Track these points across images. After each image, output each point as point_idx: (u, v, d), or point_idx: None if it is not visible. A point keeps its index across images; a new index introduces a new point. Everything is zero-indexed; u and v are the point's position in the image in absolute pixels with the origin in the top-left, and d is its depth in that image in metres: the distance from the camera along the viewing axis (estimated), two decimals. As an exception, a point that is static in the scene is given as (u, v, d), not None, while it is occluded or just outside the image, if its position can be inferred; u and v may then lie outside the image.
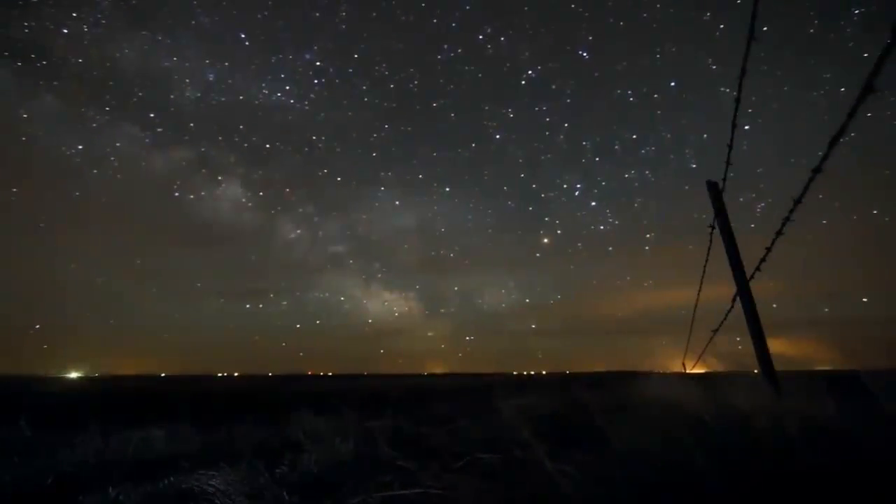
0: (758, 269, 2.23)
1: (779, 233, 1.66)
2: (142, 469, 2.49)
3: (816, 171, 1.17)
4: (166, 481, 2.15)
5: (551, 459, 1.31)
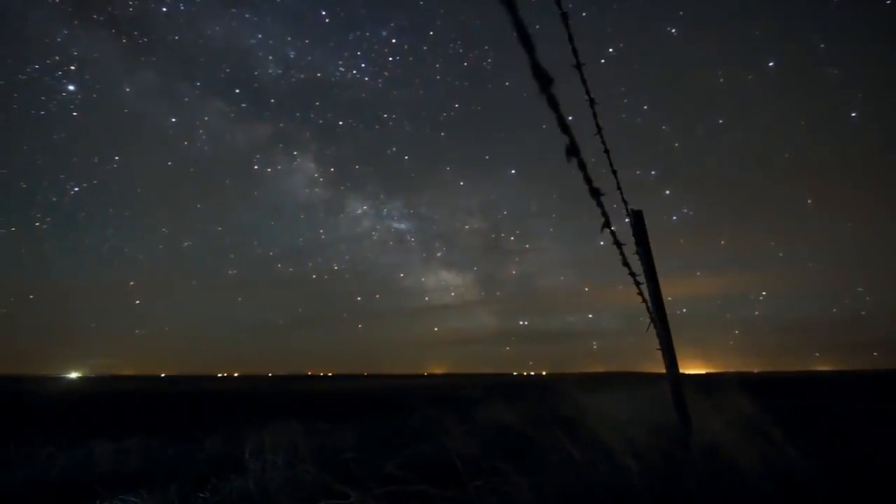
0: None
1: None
2: (66, 491, 2.55)
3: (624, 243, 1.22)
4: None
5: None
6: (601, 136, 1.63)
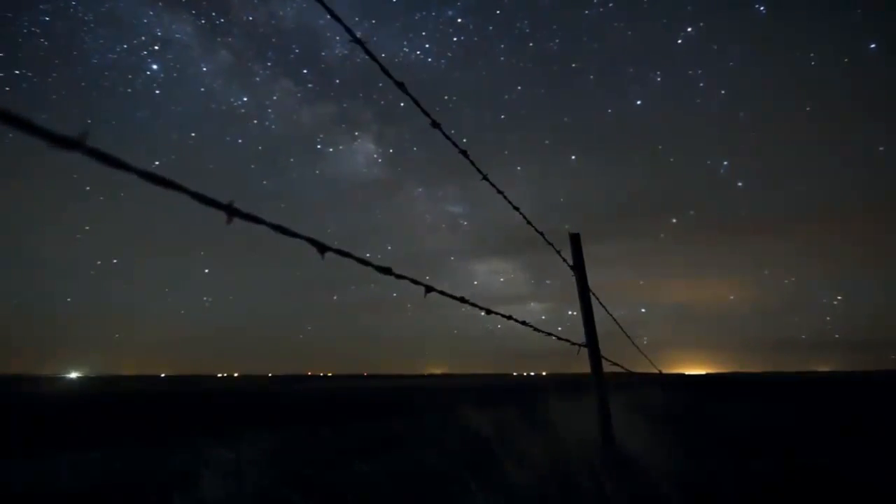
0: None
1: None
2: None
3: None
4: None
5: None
6: (489, 181, 1.71)
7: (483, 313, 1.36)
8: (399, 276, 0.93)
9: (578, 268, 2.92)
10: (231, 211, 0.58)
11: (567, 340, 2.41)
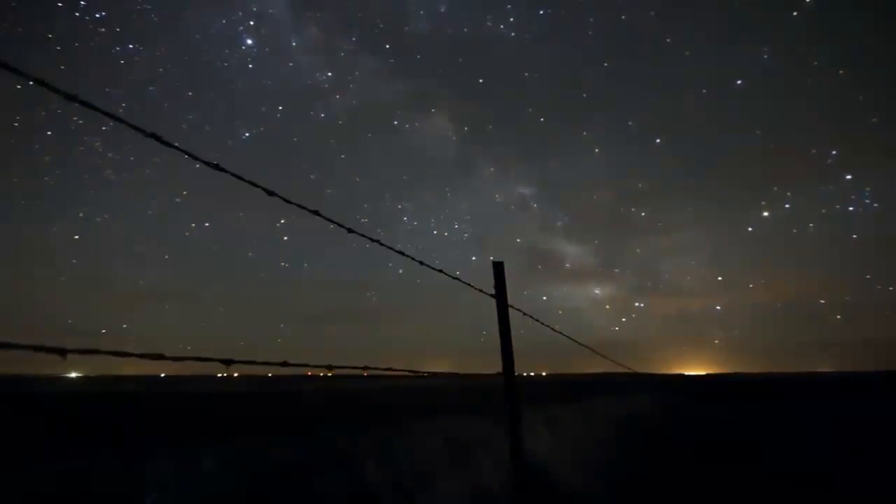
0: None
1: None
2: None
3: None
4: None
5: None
6: (382, 244, 1.79)
7: (386, 370, 1.47)
8: (297, 364, 1.03)
9: (499, 296, 3.00)
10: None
11: (482, 375, 2.49)
